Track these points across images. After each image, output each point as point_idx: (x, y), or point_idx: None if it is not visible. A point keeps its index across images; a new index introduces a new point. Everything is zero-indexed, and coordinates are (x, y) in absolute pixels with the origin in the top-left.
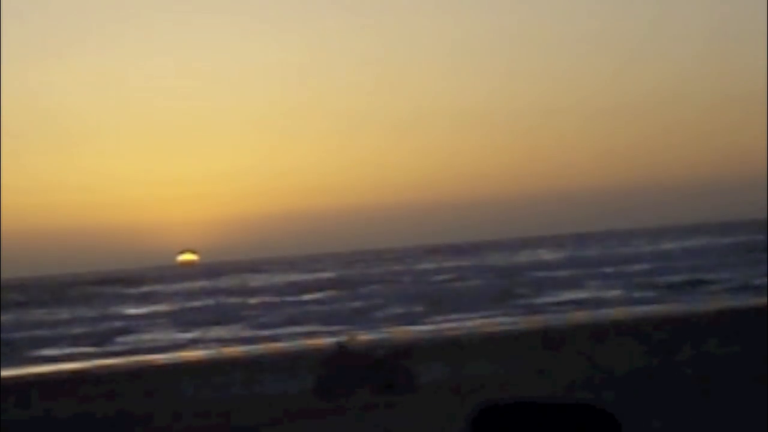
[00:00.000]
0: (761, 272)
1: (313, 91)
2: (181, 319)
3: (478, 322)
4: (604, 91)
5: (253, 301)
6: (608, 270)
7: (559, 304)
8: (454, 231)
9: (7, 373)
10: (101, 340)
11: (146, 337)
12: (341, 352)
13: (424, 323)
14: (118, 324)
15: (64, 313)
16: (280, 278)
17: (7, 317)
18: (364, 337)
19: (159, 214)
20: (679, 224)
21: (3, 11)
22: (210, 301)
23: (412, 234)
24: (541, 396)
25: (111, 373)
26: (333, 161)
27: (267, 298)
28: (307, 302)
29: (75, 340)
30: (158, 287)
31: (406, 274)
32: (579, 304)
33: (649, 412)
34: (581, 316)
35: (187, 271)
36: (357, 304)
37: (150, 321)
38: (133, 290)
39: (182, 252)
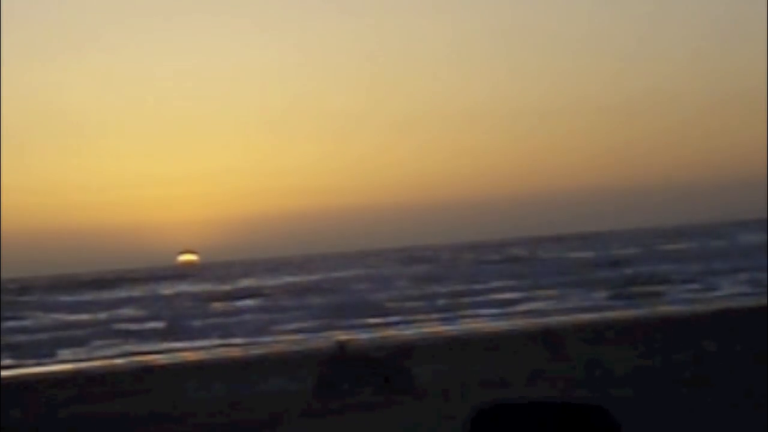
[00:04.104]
0: (761, 273)
1: (312, 90)
2: (180, 321)
3: (478, 322)
4: (603, 91)
5: (252, 302)
6: (607, 270)
7: (558, 304)
8: (453, 231)
9: (7, 373)
10: (102, 341)
11: (145, 339)
12: (341, 352)
13: (423, 323)
14: (118, 325)
15: (63, 315)
16: (280, 279)
17: (6, 317)
18: (364, 337)
19: (159, 214)
20: (678, 224)
21: (4, 10)
22: (210, 303)
23: (412, 234)
24: (541, 396)
25: (111, 373)
26: (333, 161)
27: (266, 299)
28: (305, 302)
29: (75, 341)
30: (159, 288)
31: (406, 273)
32: (578, 304)
33: (649, 412)
34: (581, 316)
35: (187, 272)
36: (356, 304)
37: (150, 322)
38: (133, 291)
39: (182, 252)
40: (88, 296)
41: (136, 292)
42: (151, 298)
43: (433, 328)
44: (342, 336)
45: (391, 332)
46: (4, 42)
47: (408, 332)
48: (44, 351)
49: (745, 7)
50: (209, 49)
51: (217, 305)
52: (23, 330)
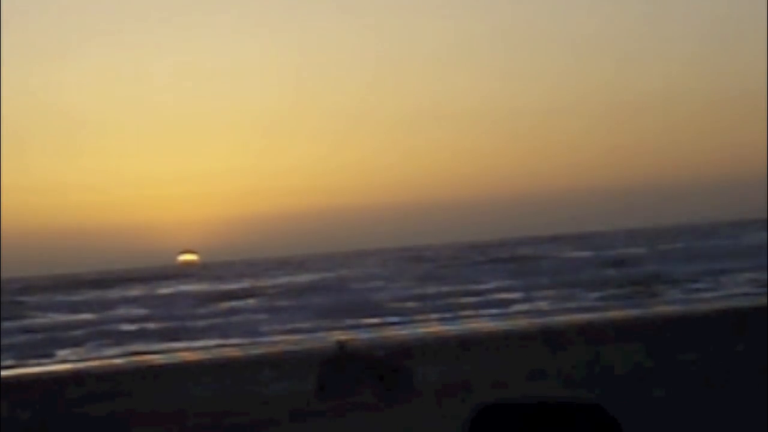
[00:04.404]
0: (761, 273)
1: (313, 90)
2: (179, 321)
3: (478, 322)
4: (604, 91)
5: (252, 302)
6: (607, 270)
7: (558, 304)
8: (453, 231)
9: (7, 373)
10: (102, 341)
11: (145, 339)
12: (341, 352)
13: (423, 323)
14: (117, 325)
15: (63, 315)
16: (280, 279)
17: (6, 317)
18: (364, 337)
19: (159, 214)
20: (678, 224)
21: (5, 9)
22: (210, 303)
23: (412, 234)
24: (541, 396)
25: (111, 373)
26: (333, 161)
27: (266, 299)
28: (305, 302)
29: (75, 341)
30: (159, 288)
31: (406, 273)
32: (578, 304)
33: (649, 412)
34: (581, 316)
35: (187, 272)
36: (356, 304)
37: (150, 322)
38: (133, 291)
39: (182, 252)
40: (88, 296)
41: (136, 292)
42: (151, 298)
43: (433, 328)
44: (342, 336)
45: (391, 332)
46: (4, 42)
47: (408, 332)
48: (44, 351)
49: (745, 7)
50: (209, 49)
51: (217, 305)
52: (23, 330)
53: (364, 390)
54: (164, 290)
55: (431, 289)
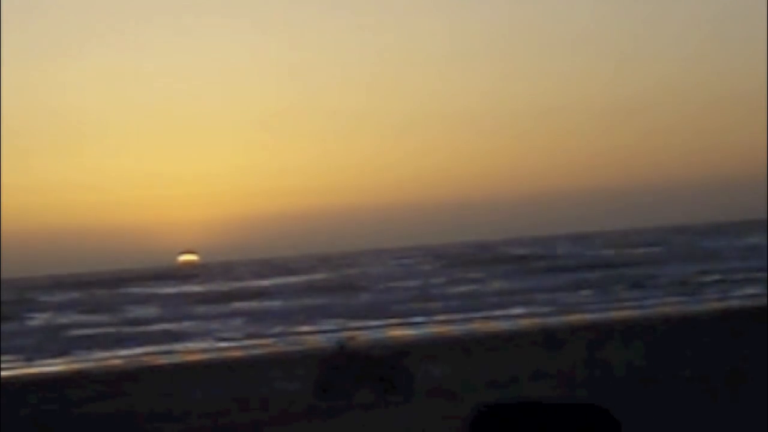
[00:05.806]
0: (761, 273)
1: (313, 90)
2: (180, 321)
3: (479, 322)
4: (602, 91)
5: (252, 302)
6: (607, 270)
7: (558, 304)
8: (453, 231)
9: (7, 373)
10: (102, 340)
11: (145, 339)
12: (341, 352)
13: (423, 323)
14: (117, 327)
15: (64, 315)
16: (280, 279)
17: (6, 317)
18: (364, 337)
19: (159, 214)
20: (678, 224)
21: (5, 9)
22: (209, 303)
23: (412, 234)
24: (541, 396)
25: (111, 373)
26: (333, 161)
27: (266, 299)
28: (306, 302)
29: (76, 341)
30: (159, 288)
31: (406, 273)
32: (578, 304)
33: (649, 412)
34: (581, 316)
35: (187, 272)
36: (356, 305)
37: (150, 322)
38: (133, 291)
39: (182, 253)
40: (88, 296)
41: (136, 292)
42: (151, 298)
43: (434, 328)
44: (342, 335)
45: (392, 332)
46: (4, 42)
47: (409, 332)
48: (45, 351)
49: (745, 7)
50: (209, 49)
51: (217, 306)
52: (23, 330)
53: (364, 390)
54: (164, 290)
55: (431, 290)
